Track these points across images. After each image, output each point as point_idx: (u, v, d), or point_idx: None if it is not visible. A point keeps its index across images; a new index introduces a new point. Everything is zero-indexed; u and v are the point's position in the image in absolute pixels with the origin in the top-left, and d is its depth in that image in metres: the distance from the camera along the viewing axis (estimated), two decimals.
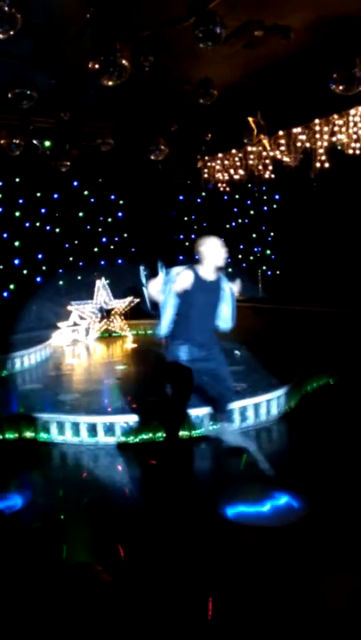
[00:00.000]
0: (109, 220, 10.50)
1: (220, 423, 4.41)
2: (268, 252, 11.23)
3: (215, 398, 4.30)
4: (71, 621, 2.37)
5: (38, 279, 9.66)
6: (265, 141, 7.07)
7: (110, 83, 4.56)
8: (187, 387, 3.96)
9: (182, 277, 3.80)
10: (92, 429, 4.56)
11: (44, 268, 9.70)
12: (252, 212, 11.37)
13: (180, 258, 10.79)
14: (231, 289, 4.06)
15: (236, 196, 10.90)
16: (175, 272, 3.87)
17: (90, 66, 4.94)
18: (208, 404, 4.48)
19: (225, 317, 4.06)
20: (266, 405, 4.88)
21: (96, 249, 10.36)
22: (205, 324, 3.95)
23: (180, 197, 10.80)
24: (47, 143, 8.05)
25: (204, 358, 3.94)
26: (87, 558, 2.85)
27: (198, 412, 4.55)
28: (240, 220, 11.27)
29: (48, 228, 9.77)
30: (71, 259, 10.03)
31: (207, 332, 3.97)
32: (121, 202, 10.58)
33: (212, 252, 3.85)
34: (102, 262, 10.33)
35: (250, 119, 6.75)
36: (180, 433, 4.46)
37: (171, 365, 3.92)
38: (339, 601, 2.40)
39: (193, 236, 10.86)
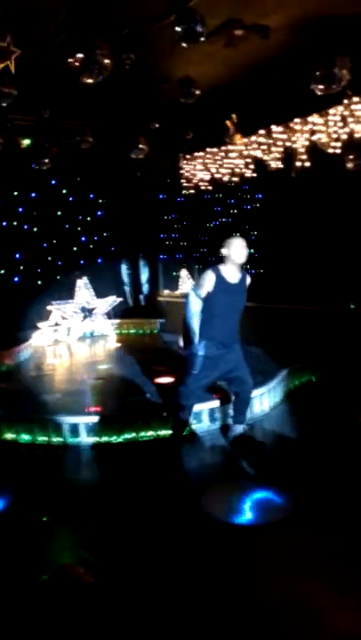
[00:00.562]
0: (89, 218, 10.41)
1: (232, 422, 4.49)
2: (252, 250, 11.26)
3: (233, 397, 4.42)
4: (53, 623, 2.34)
5: (16, 279, 9.53)
6: (241, 140, 7.10)
7: (90, 80, 4.51)
8: (195, 382, 4.05)
9: (206, 280, 3.91)
10: (75, 430, 4.52)
11: (21, 267, 9.58)
12: (235, 211, 11.40)
13: (161, 257, 10.79)
14: None
15: (218, 195, 10.92)
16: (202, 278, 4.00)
17: (70, 63, 4.91)
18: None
19: None
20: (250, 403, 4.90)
21: (75, 248, 10.26)
22: (227, 325, 4.01)
23: (161, 196, 10.76)
24: (26, 141, 7.93)
25: (220, 356, 4.01)
26: (70, 560, 2.82)
27: None
28: (222, 219, 11.29)
29: (26, 227, 9.64)
30: (50, 258, 9.92)
31: (228, 332, 4.03)
32: (100, 200, 10.49)
33: (236, 252, 3.92)
34: (82, 261, 10.23)
35: (227, 122, 6.79)
36: (165, 432, 4.47)
37: (187, 359, 4.05)
38: (324, 599, 2.42)
39: (174, 235, 10.85)
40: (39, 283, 9.67)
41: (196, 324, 4.00)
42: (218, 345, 3.97)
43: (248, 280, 4.12)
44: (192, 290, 4.10)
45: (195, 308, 3.99)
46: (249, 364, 4.28)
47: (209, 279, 3.90)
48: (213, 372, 4.06)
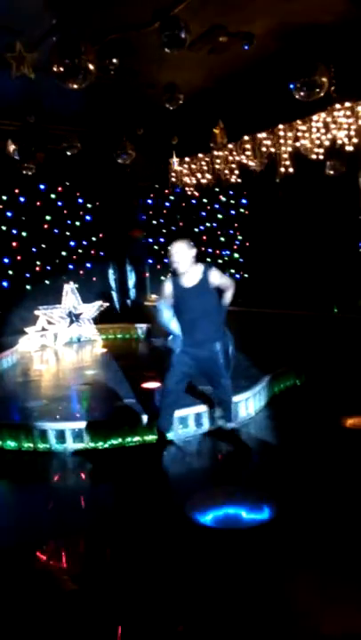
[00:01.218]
0: (77, 223, 10.40)
1: (218, 421, 4.56)
2: (237, 255, 11.33)
3: (214, 396, 4.50)
4: (36, 631, 2.32)
5: (5, 284, 9.48)
6: (227, 146, 7.16)
7: (75, 86, 4.52)
8: (173, 376, 4.15)
9: (164, 288, 4.10)
10: (61, 436, 4.50)
11: (10, 272, 9.53)
12: (219, 216, 11.46)
13: (150, 261, 10.80)
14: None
15: (204, 200, 10.98)
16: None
17: (54, 69, 4.89)
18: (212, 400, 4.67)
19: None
20: (234, 408, 4.91)
21: (64, 253, 10.24)
22: (196, 325, 4.05)
23: (149, 201, 10.79)
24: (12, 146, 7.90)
25: (196, 354, 4.10)
26: (52, 566, 2.81)
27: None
28: (208, 224, 11.34)
29: (14, 231, 9.60)
30: (38, 263, 9.89)
31: (200, 331, 4.06)
32: (89, 205, 10.50)
33: (172, 257, 4.00)
34: (70, 266, 10.22)
35: (215, 129, 6.86)
36: (151, 437, 4.47)
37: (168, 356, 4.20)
38: (307, 601, 2.43)
39: (161, 240, 10.87)
40: (28, 288, 9.63)
41: (174, 327, 4.09)
42: (192, 342, 4.06)
43: (212, 275, 4.01)
44: (159, 301, 4.22)
45: (165, 315, 4.07)
46: (234, 368, 4.30)
47: (166, 287, 4.10)
48: (190, 369, 4.16)
